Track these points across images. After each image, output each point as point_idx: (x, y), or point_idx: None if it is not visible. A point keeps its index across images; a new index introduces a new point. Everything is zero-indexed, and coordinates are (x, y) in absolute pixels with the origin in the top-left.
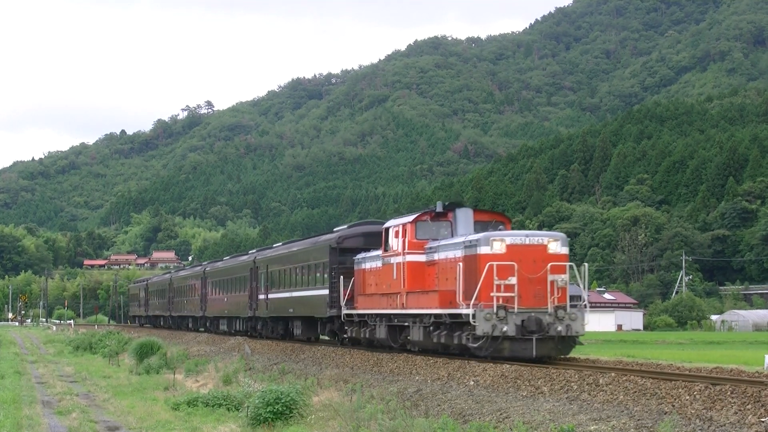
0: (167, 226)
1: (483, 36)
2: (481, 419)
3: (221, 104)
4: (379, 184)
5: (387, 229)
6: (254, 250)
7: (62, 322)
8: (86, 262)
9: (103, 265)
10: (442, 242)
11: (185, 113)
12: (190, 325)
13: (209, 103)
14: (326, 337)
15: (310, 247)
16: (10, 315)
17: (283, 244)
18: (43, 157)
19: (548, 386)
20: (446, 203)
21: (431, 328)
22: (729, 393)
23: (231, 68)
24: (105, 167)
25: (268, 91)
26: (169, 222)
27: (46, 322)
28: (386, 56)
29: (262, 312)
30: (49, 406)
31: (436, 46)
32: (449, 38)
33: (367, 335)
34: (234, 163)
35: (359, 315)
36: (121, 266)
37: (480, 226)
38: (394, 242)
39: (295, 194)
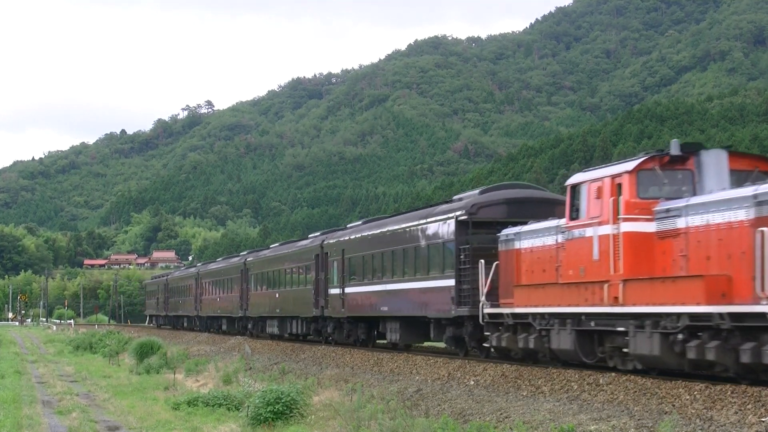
0: (167, 226)
1: (483, 36)
2: (482, 419)
3: (221, 104)
4: (379, 184)
5: (576, 187)
6: (318, 233)
7: (62, 321)
8: (86, 261)
9: (103, 265)
10: (693, 200)
11: (185, 113)
12: (225, 326)
13: (209, 103)
14: (441, 345)
15: (420, 223)
16: (10, 315)
17: (364, 223)
18: (43, 156)
19: (548, 386)
20: (682, 143)
21: (679, 336)
22: (729, 393)
23: (231, 68)
24: (105, 167)
25: (268, 91)
26: (169, 222)
27: (46, 321)
28: (386, 56)
29: (335, 311)
30: (49, 406)
31: (436, 45)
32: (449, 38)
33: (530, 344)
34: (234, 162)
35: (516, 315)
36: (121, 266)
37: (736, 177)
38: (595, 204)
39: (295, 194)
